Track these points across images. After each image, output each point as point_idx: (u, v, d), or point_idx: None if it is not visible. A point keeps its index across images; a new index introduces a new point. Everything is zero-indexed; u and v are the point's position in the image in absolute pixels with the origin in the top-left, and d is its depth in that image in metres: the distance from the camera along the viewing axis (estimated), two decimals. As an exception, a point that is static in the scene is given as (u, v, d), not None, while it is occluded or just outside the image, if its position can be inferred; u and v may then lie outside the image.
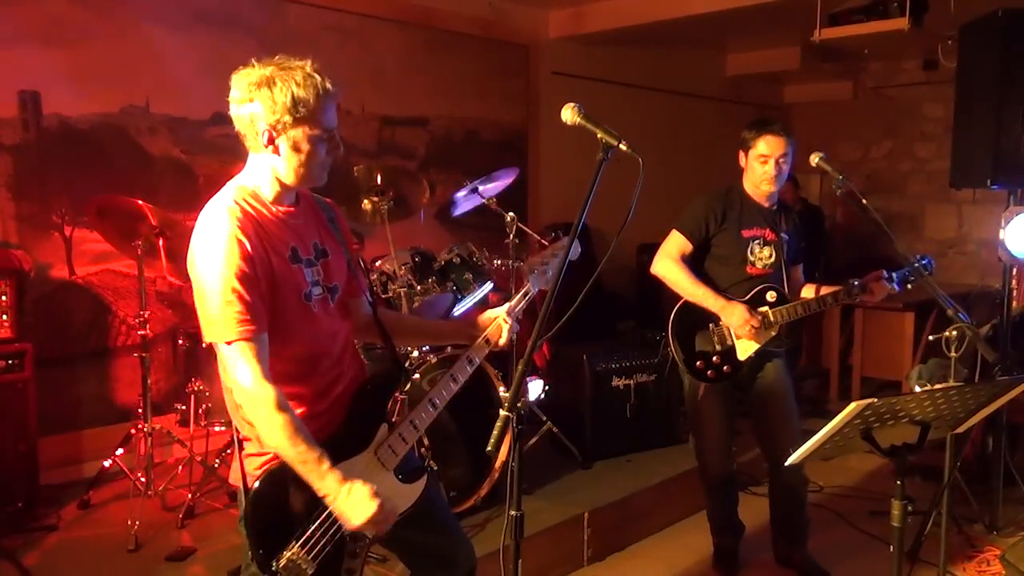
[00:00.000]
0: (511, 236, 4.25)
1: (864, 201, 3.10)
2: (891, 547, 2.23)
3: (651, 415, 4.74)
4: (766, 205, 3.50)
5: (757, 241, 3.46)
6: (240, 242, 1.93)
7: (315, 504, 2.01)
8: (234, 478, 2.11)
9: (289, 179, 2.05)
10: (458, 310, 4.08)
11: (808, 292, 3.54)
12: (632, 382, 4.68)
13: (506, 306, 2.39)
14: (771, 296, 3.43)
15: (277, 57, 2.00)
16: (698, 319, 3.45)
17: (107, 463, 4.02)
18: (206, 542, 3.57)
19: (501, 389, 3.82)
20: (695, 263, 3.51)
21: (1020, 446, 4.74)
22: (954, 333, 3.06)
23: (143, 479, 3.88)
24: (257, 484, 2.00)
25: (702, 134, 8.07)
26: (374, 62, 5.50)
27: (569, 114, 2.02)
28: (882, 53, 8.01)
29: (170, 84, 4.59)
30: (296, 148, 2.00)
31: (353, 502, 1.95)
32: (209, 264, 1.93)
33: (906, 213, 8.24)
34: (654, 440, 4.76)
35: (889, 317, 6.20)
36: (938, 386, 2.16)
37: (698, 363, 3.45)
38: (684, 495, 4.45)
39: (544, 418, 4.51)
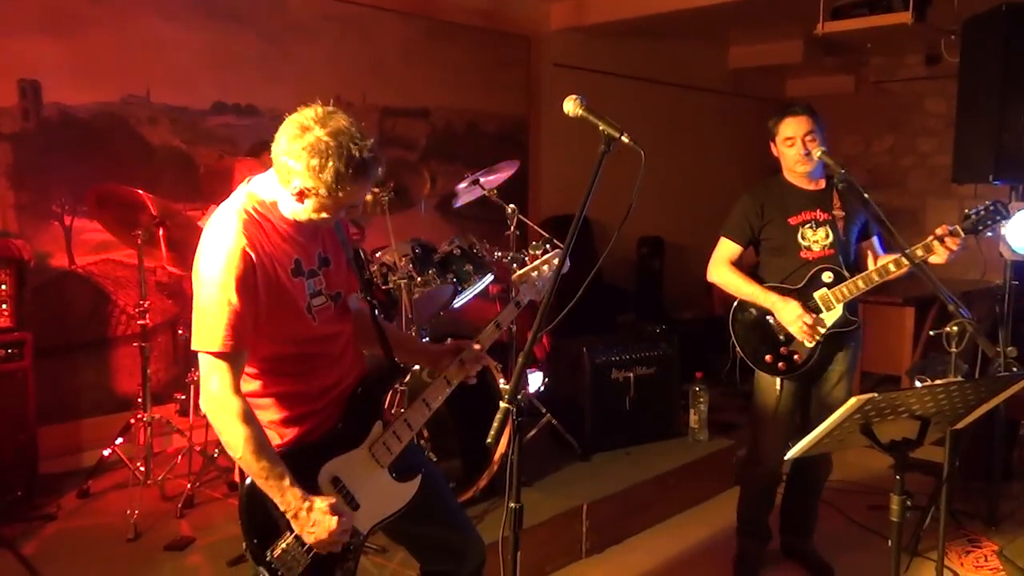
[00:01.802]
0: (512, 228, 4.25)
1: (866, 195, 3.09)
2: (889, 541, 2.24)
3: (650, 408, 4.74)
4: (811, 187, 3.46)
5: (808, 225, 3.41)
6: (245, 253, 1.95)
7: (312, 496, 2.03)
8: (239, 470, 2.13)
9: (307, 221, 2.05)
10: (458, 302, 4.08)
11: (873, 263, 3.43)
12: (632, 375, 4.68)
13: (476, 345, 2.37)
14: (827, 277, 3.37)
15: (336, 117, 1.97)
16: (757, 314, 3.43)
17: (106, 452, 4.03)
18: (205, 532, 3.58)
19: (501, 381, 3.82)
20: (755, 263, 3.51)
21: (1019, 442, 4.75)
22: (955, 329, 3.06)
23: (142, 468, 3.88)
24: (252, 479, 2.02)
25: (704, 127, 8.06)
26: (375, 53, 5.49)
27: (571, 106, 2.01)
28: (885, 47, 7.99)
29: (171, 73, 4.58)
30: (319, 209, 2.01)
31: (313, 518, 1.97)
32: (210, 271, 1.95)
33: (907, 208, 8.23)
34: (653, 433, 4.75)
35: (889, 312, 6.19)
36: (938, 381, 2.16)
37: (767, 357, 3.42)
38: (683, 488, 4.46)
39: (543, 410, 4.51)
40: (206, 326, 1.95)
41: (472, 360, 2.34)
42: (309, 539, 1.99)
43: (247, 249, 1.95)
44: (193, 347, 1.98)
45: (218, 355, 1.94)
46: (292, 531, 2.01)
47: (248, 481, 2.02)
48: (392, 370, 2.35)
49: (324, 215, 2.02)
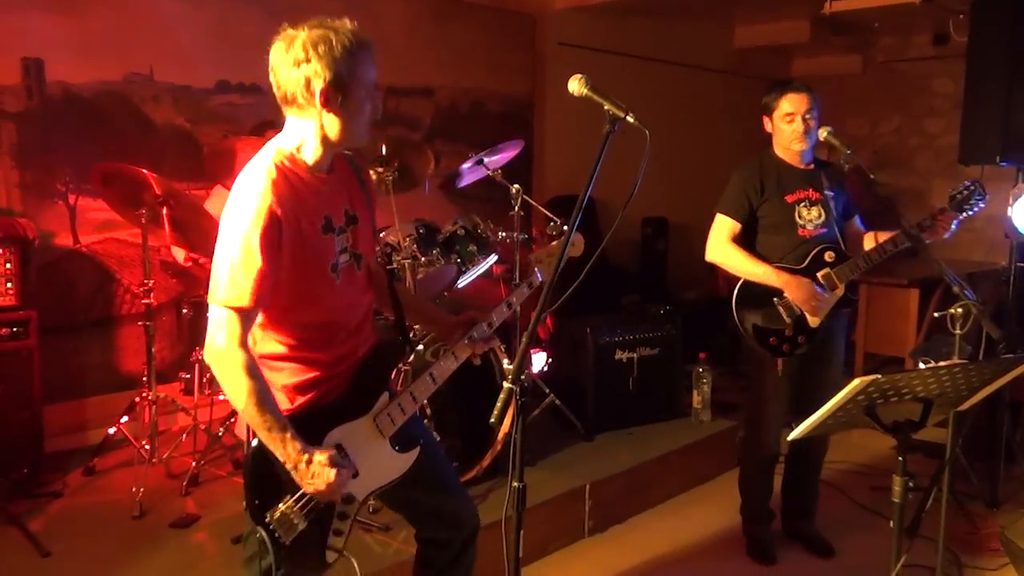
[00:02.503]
0: (516, 208, 4.24)
1: (871, 176, 3.08)
2: (891, 522, 2.24)
3: (653, 388, 4.74)
4: (802, 166, 3.46)
5: (803, 203, 3.41)
6: (271, 209, 1.95)
7: None
8: (240, 430, 2.15)
9: (338, 138, 2.07)
10: (462, 282, 4.08)
11: (869, 242, 3.46)
12: (635, 355, 4.68)
13: (483, 327, 2.39)
14: (829, 256, 3.38)
15: (313, 20, 2.02)
16: (762, 295, 3.41)
17: (112, 431, 4.04)
18: (210, 509, 3.60)
19: (505, 361, 3.82)
20: (747, 239, 3.48)
21: (1021, 423, 4.75)
22: (959, 310, 3.05)
23: (147, 447, 3.90)
24: (257, 440, 2.04)
25: (709, 107, 8.02)
26: (379, 31, 5.43)
27: (576, 85, 2.00)
28: (892, 27, 7.92)
29: (174, 52, 4.55)
30: (347, 105, 2.03)
31: (312, 471, 1.99)
32: (236, 224, 1.96)
33: (913, 189, 8.19)
34: (656, 413, 4.77)
35: (893, 293, 6.18)
36: (942, 363, 2.16)
37: (771, 339, 3.41)
38: (685, 468, 4.48)
39: (547, 391, 4.52)
40: (225, 279, 1.95)
41: (481, 339, 2.36)
42: (308, 490, 2.02)
43: (274, 206, 1.96)
44: (209, 298, 1.99)
45: (233, 309, 1.95)
46: (292, 495, 2.04)
47: (255, 442, 2.05)
48: (403, 343, 2.38)
49: (356, 110, 2.04)
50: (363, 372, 2.23)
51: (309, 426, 2.06)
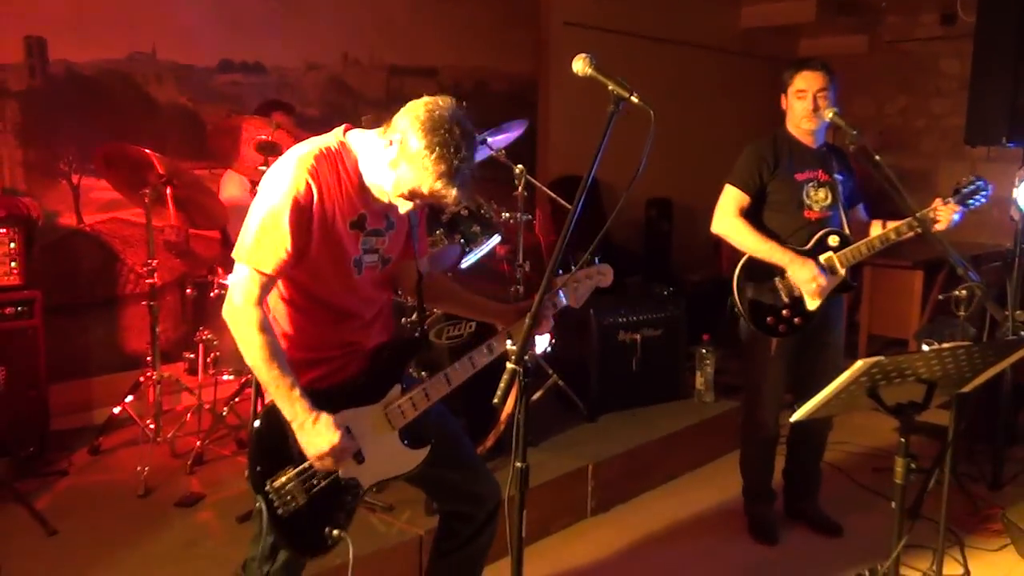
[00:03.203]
0: (520, 188, 4.23)
1: (877, 157, 3.06)
2: (893, 503, 2.25)
3: (656, 369, 4.75)
4: (813, 147, 3.45)
5: (811, 184, 3.40)
6: (308, 184, 2.00)
7: None
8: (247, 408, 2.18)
9: (390, 186, 2.05)
10: (466, 263, 4.08)
11: (875, 229, 3.43)
12: (638, 336, 4.68)
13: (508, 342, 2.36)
14: (833, 240, 3.37)
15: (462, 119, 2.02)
16: (762, 274, 3.39)
17: (117, 410, 4.06)
18: (215, 488, 3.62)
19: (508, 342, 3.81)
20: (752, 216, 3.46)
21: (1024, 405, 4.75)
22: (963, 292, 3.04)
23: (152, 426, 3.92)
24: (267, 410, 2.07)
25: (714, 87, 7.98)
26: (383, 10, 5.42)
27: (580, 65, 1.98)
28: (900, 6, 7.87)
29: (177, 31, 4.54)
30: (399, 186, 2.02)
31: (317, 430, 2.03)
32: (272, 194, 2.00)
33: (919, 170, 8.16)
34: (659, 394, 4.77)
35: (898, 275, 6.18)
36: (946, 345, 2.16)
37: (768, 319, 3.40)
38: (688, 449, 4.49)
39: (550, 371, 4.52)
40: (251, 241, 2.00)
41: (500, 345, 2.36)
42: (311, 452, 2.04)
43: (310, 183, 2.00)
44: (234, 254, 2.03)
45: (253, 270, 2.00)
46: (295, 467, 2.06)
47: (265, 409, 2.07)
48: (419, 339, 2.44)
49: (403, 195, 2.03)
50: (377, 362, 2.24)
51: (318, 404, 2.07)
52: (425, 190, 1.98)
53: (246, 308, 2.01)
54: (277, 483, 2.06)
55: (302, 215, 1.99)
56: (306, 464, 2.08)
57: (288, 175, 2.00)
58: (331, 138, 2.11)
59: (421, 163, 1.95)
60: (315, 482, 2.09)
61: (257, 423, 2.11)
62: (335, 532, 2.13)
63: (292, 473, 2.07)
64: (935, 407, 2.24)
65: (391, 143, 1.99)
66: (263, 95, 4.73)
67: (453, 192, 1.98)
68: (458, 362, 2.31)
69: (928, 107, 8.34)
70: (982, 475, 4.24)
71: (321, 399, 2.10)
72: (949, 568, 3.38)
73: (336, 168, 2.06)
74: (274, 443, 2.07)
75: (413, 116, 1.97)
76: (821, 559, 3.56)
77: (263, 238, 1.99)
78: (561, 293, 2.42)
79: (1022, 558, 3.56)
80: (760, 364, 3.53)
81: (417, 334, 2.45)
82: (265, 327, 2.01)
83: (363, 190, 2.11)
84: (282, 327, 2.15)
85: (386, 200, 2.09)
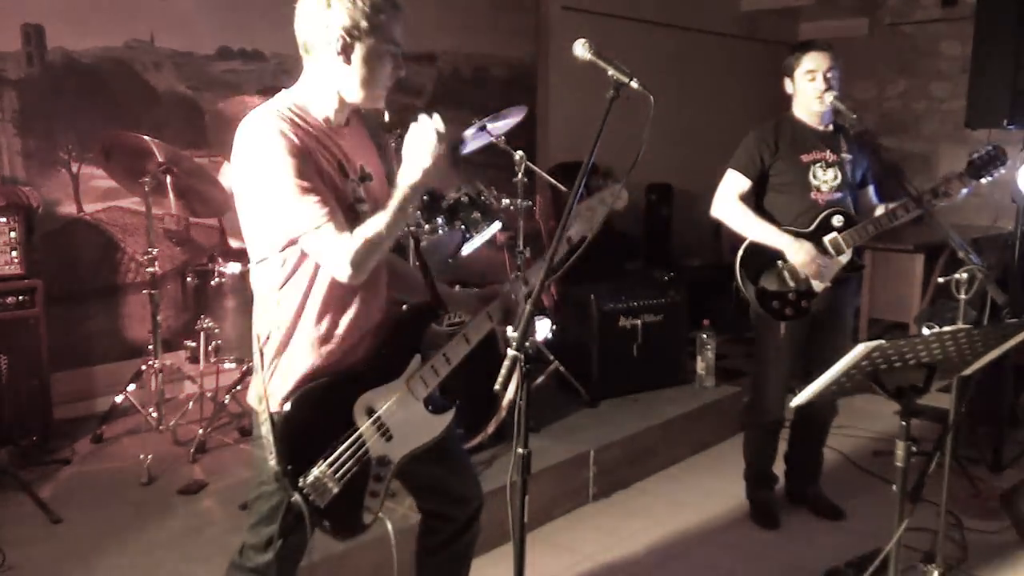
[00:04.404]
0: (520, 175, 4.22)
1: (877, 141, 3.05)
2: (894, 487, 2.25)
3: (657, 355, 4.76)
4: (821, 128, 3.43)
5: (819, 164, 3.37)
6: (287, 137, 1.90)
7: (345, 425, 2.06)
8: (252, 399, 2.12)
9: (353, 95, 2.03)
10: (466, 249, 4.07)
11: (881, 212, 3.41)
12: (639, 322, 4.69)
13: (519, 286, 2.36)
14: (838, 220, 3.35)
15: None
16: (767, 258, 3.38)
17: (119, 399, 4.07)
18: (217, 476, 3.63)
19: (509, 329, 3.82)
20: (758, 199, 3.44)
21: (1025, 388, 4.76)
22: (964, 275, 3.04)
23: (154, 414, 3.93)
24: (290, 405, 2.01)
25: (715, 71, 7.94)
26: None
27: (580, 50, 1.98)
28: (900, -12, 7.84)
29: (175, 18, 4.51)
30: (367, 59, 1.99)
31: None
32: (262, 165, 1.91)
33: (919, 153, 8.14)
34: (660, 380, 4.79)
35: (899, 259, 6.16)
36: (947, 328, 2.16)
37: (774, 303, 3.38)
38: (689, 434, 4.50)
39: (551, 357, 4.53)
40: (293, 210, 1.89)
41: (516, 297, 2.33)
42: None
43: (287, 132, 1.91)
44: (290, 235, 1.93)
45: (324, 226, 1.90)
46: (325, 459, 2.02)
47: (286, 408, 2.00)
48: (433, 303, 2.29)
49: (374, 67, 1.99)
50: (392, 336, 2.19)
51: (341, 391, 2.06)
52: (374, 17, 1.95)
53: (347, 263, 1.93)
54: (311, 477, 2.01)
55: (303, 162, 1.90)
56: (336, 453, 2.03)
57: (268, 144, 1.90)
58: (277, 99, 2.03)
59: (353, 3, 1.93)
60: (347, 468, 2.05)
61: (278, 425, 2.00)
62: (374, 511, 2.12)
63: (324, 465, 2.03)
64: (936, 390, 2.25)
65: (328, 43, 1.96)
66: (262, 82, 4.72)
67: (393, 10, 1.98)
68: (476, 318, 2.29)
69: (929, 90, 8.30)
70: (983, 457, 4.25)
71: (346, 384, 2.06)
72: (950, 550, 3.39)
73: (296, 122, 1.96)
74: (299, 441, 2.01)
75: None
76: (823, 543, 3.57)
77: (306, 194, 1.88)
78: (575, 225, 2.35)
79: (1022, 540, 3.57)
80: (768, 348, 3.52)
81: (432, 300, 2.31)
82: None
83: (328, 138, 2.02)
84: (290, 312, 2.04)
85: (362, 111, 2.03)
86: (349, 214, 2.01)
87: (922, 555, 3.24)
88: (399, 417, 2.15)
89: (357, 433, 2.07)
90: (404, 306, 2.33)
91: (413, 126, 2.00)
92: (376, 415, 2.11)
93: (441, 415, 2.26)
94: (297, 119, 1.98)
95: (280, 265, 2.01)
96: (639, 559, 3.51)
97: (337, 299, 2.06)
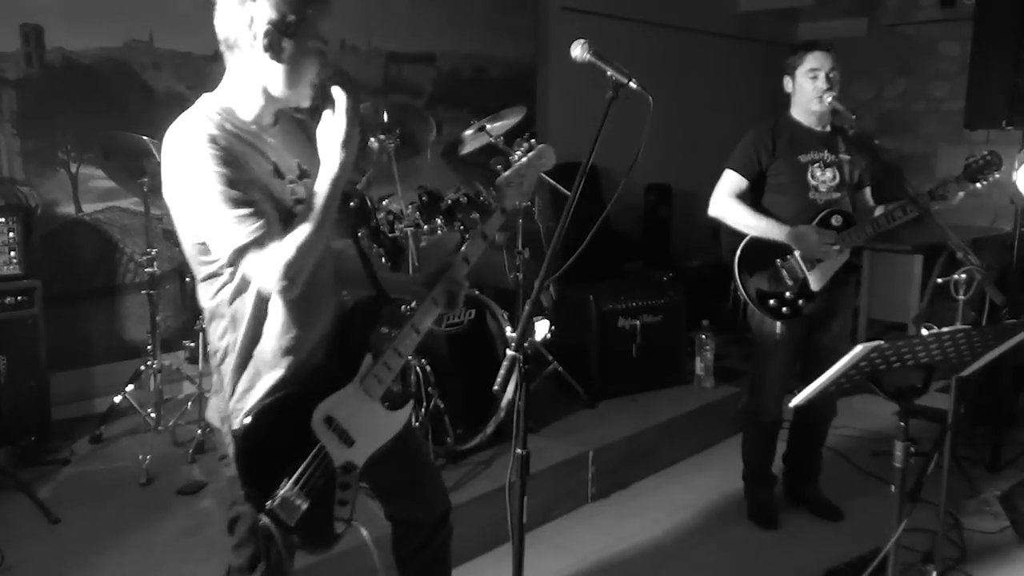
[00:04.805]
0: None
1: (876, 142, 3.06)
2: (893, 487, 2.26)
3: (656, 355, 4.76)
4: (819, 128, 3.42)
5: (817, 165, 3.36)
6: (216, 144, 1.81)
7: (306, 439, 1.98)
8: (211, 416, 2.06)
9: (279, 90, 1.93)
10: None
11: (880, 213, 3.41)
12: (638, 322, 4.69)
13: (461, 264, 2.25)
14: (836, 221, 3.34)
15: None
16: (764, 257, 3.37)
17: (118, 399, 4.07)
18: (216, 476, 3.62)
19: (508, 329, 3.83)
20: (756, 200, 3.43)
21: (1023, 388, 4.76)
22: (963, 276, 3.04)
23: (153, 415, 3.93)
24: (248, 421, 1.92)
25: (713, 72, 7.94)
26: (381, -3, 5.41)
27: (579, 51, 1.98)
28: (899, -12, 7.84)
29: (174, 18, 4.51)
30: (294, 55, 1.90)
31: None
32: (186, 176, 1.82)
33: (918, 154, 8.14)
34: (659, 380, 4.78)
35: (897, 259, 6.17)
36: (946, 329, 2.16)
37: (771, 301, 3.38)
38: (688, 434, 4.50)
39: (550, 358, 4.53)
40: (219, 226, 1.81)
41: (458, 280, 2.23)
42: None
43: (216, 135, 1.83)
44: (222, 256, 1.84)
45: (251, 242, 1.80)
46: (289, 476, 1.94)
47: (241, 425, 1.92)
48: (378, 298, 2.18)
49: (300, 64, 1.91)
50: (339, 338, 2.10)
51: (294, 409, 1.97)
52: (302, 11, 1.87)
53: (278, 275, 1.81)
54: (278, 499, 1.92)
55: (232, 170, 1.80)
56: (300, 469, 1.95)
57: (191, 149, 1.81)
58: (198, 103, 1.95)
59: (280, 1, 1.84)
60: (313, 482, 1.97)
61: (236, 444, 1.92)
62: (345, 519, 2.07)
63: (289, 483, 1.94)
64: (934, 390, 2.25)
65: (253, 39, 1.87)
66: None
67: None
68: (421, 306, 2.20)
69: (927, 91, 8.31)
70: (981, 458, 4.25)
71: (299, 398, 1.98)
72: (948, 551, 3.40)
73: (223, 127, 1.88)
74: (260, 461, 1.93)
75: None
76: (822, 543, 3.57)
77: (222, 216, 1.78)
78: (508, 194, 2.31)
79: (1021, 540, 3.57)
80: (766, 348, 3.52)
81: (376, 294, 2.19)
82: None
83: (258, 138, 1.94)
84: (247, 327, 1.95)
85: (290, 108, 1.94)
86: (289, 217, 1.92)
87: (921, 555, 3.25)
88: (358, 420, 2.07)
89: (319, 446, 1.99)
90: (347, 299, 2.22)
91: (325, 114, 1.91)
92: (334, 423, 2.02)
93: (400, 410, 2.19)
94: (226, 123, 1.90)
95: (229, 280, 1.93)
96: (638, 559, 3.50)
97: (301, 308, 1.97)
